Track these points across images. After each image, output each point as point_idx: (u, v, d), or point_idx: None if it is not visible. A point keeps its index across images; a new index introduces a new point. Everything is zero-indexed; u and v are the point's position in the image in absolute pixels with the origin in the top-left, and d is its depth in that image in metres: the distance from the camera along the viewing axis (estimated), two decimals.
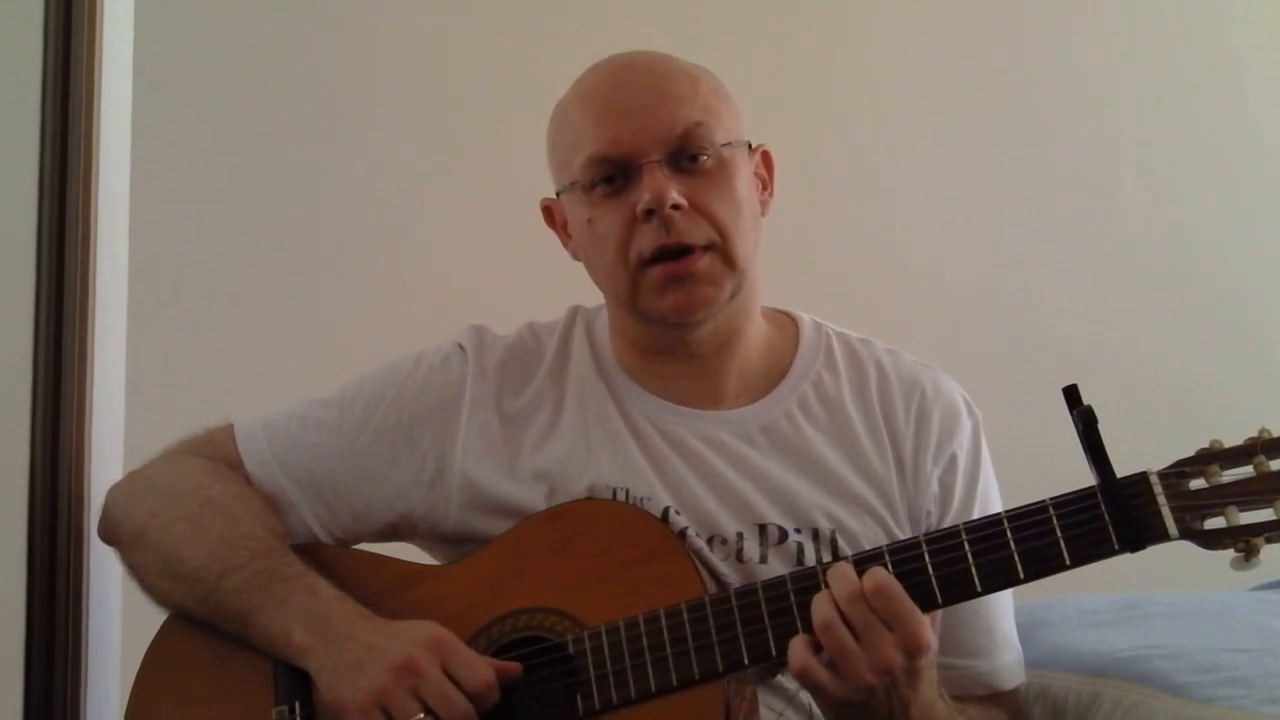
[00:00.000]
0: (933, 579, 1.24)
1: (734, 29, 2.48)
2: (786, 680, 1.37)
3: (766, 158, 1.51)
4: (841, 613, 1.21)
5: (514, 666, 1.30)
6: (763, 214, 1.49)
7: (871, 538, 1.42)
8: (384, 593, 1.39)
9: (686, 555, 1.34)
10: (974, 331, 2.53)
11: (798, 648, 1.23)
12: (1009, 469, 1.54)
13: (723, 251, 1.41)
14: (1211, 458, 1.22)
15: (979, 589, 1.24)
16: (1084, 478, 1.23)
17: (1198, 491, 1.21)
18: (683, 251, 1.39)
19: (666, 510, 1.41)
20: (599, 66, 1.48)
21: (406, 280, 2.32)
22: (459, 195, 2.34)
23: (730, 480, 1.43)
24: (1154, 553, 1.22)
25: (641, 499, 1.41)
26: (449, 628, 1.31)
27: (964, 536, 1.24)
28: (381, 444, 1.48)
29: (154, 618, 1.45)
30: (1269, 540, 1.19)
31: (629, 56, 1.48)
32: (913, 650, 1.21)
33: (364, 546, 1.50)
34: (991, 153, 2.63)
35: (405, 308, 2.28)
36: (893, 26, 2.62)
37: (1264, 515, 1.20)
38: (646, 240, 1.39)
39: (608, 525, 1.38)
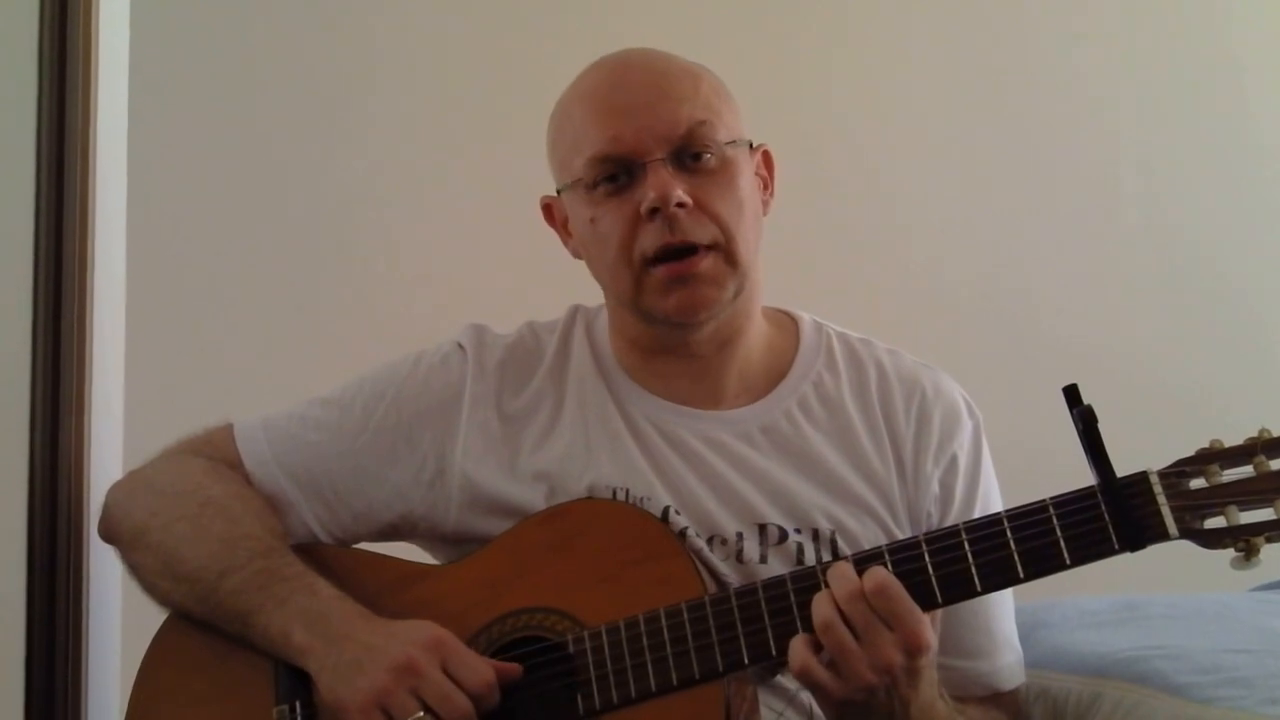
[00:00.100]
0: (933, 579, 1.24)
1: (734, 29, 2.48)
2: (787, 680, 1.37)
3: (767, 157, 1.51)
4: (842, 612, 1.21)
5: (514, 667, 1.30)
6: (763, 214, 1.49)
7: (871, 538, 1.41)
8: (384, 593, 1.39)
9: (686, 555, 1.34)
10: (974, 331, 2.53)
11: (798, 647, 1.23)
12: (1009, 469, 1.54)
13: (726, 251, 1.41)
14: (1211, 457, 1.22)
15: (979, 589, 1.24)
16: (1084, 478, 1.23)
17: (1198, 491, 1.21)
18: (686, 251, 1.39)
19: (666, 510, 1.41)
20: (600, 64, 1.48)
21: (406, 280, 2.32)
22: (459, 195, 2.34)
23: (730, 480, 1.43)
24: (1154, 553, 1.22)
25: (641, 499, 1.41)
26: (449, 628, 1.31)
27: (964, 536, 1.24)
28: (381, 444, 1.48)
29: (154, 618, 1.45)
30: (1269, 540, 1.19)
31: (630, 54, 1.48)
32: (913, 650, 1.21)
33: (364, 546, 1.50)
34: (991, 153, 2.63)
35: (405, 307, 2.27)
36: (893, 26, 2.62)
37: (1264, 515, 1.20)
38: (650, 239, 1.39)
39: (608, 525, 1.38)
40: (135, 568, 1.46)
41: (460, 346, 1.52)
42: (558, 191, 1.49)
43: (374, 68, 2.35)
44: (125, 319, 1.75)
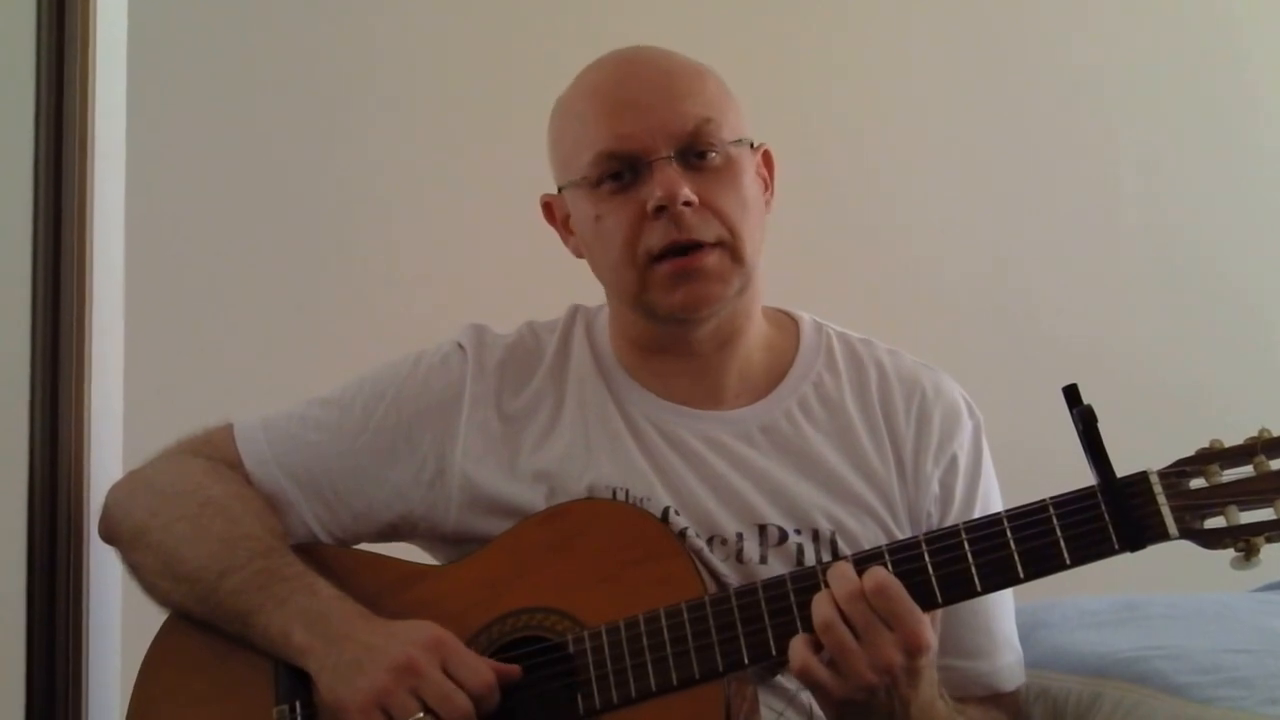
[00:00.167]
0: (932, 578, 1.24)
1: (734, 29, 2.48)
2: (787, 680, 1.37)
3: (767, 157, 1.51)
4: (842, 612, 1.21)
5: (513, 669, 1.30)
6: (765, 213, 1.49)
7: (871, 539, 1.41)
8: (384, 593, 1.39)
9: (686, 555, 1.34)
10: (974, 331, 2.53)
11: (798, 647, 1.23)
12: (1009, 469, 1.54)
13: (732, 248, 1.41)
14: (1211, 457, 1.22)
15: (979, 588, 1.24)
16: (1084, 477, 1.23)
17: (1198, 491, 1.21)
18: (691, 247, 1.39)
19: (666, 510, 1.41)
20: (603, 61, 1.48)
21: (406, 280, 2.32)
22: (459, 195, 2.34)
23: (730, 480, 1.43)
24: (1154, 553, 1.22)
25: (641, 499, 1.41)
26: (449, 628, 1.31)
27: (964, 536, 1.24)
28: (381, 444, 1.48)
29: (154, 618, 1.44)
30: (1269, 539, 1.19)
31: (635, 51, 1.48)
32: (913, 649, 1.21)
33: (364, 546, 1.50)
34: (991, 153, 2.63)
35: (405, 307, 2.27)
36: (893, 26, 2.62)
37: (1264, 515, 1.20)
38: (657, 237, 1.39)
39: (608, 525, 1.37)
40: (135, 568, 1.46)
41: (460, 346, 1.52)
42: (559, 189, 1.49)
43: (374, 68, 2.35)
44: (124, 319, 1.75)
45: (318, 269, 2.29)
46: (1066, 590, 1.52)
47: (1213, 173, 2.74)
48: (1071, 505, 1.23)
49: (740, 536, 1.41)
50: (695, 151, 1.40)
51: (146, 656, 1.42)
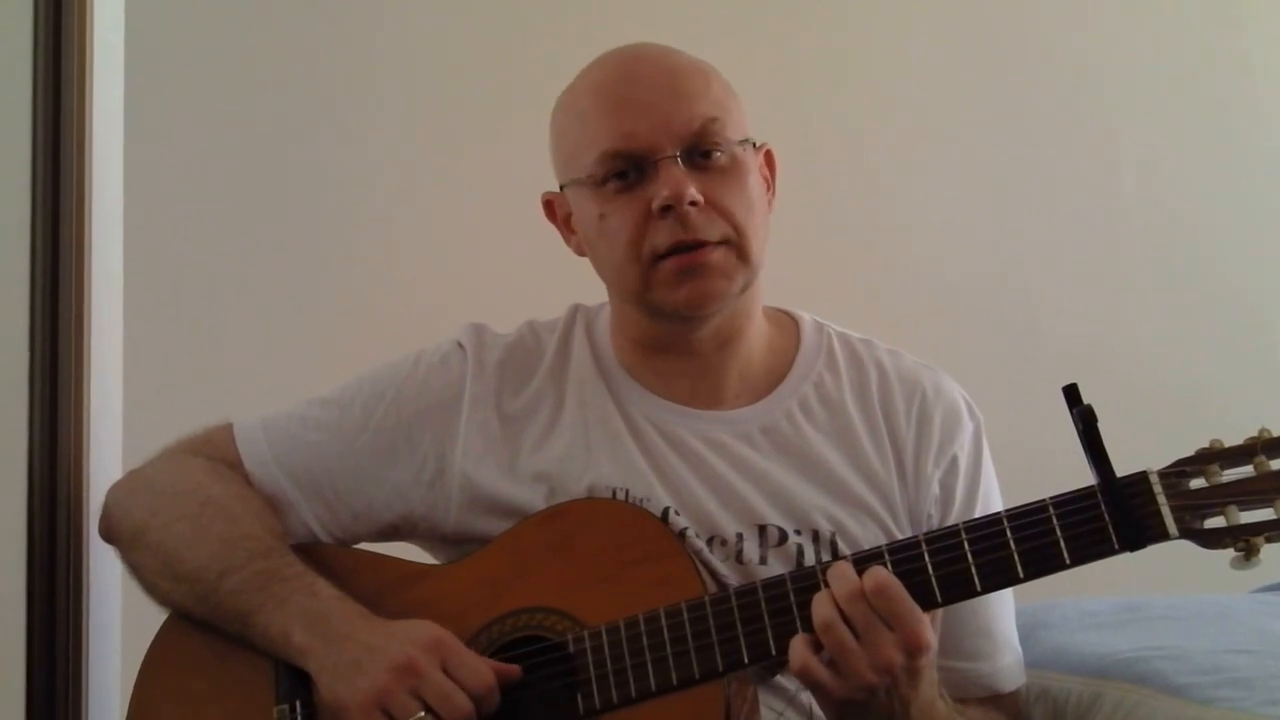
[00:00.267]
0: (932, 578, 1.24)
1: (735, 29, 2.48)
2: (787, 680, 1.37)
3: (769, 157, 1.51)
4: (842, 612, 1.21)
5: (513, 668, 1.30)
6: (768, 213, 1.49)
7: (872, 540, 1.41)
8: (384, 593, 1.39)
9: (686, 555, 1.34)
10: (974, 331, 2.53)
11: (798, 647, 1.23)
12: (1009, 469, 1.54)
13: (738, 247, 1.40)
14: (1211, 457, 1.22)
15: (979, 588, 1.24)
16: (1084, 477, 1.23)
17: (1198, 491, 1.21)
18: (696, 245, 1.39)
19: (666, 511, 1.41)
20: (606, 59, 1.47)
21: (406, 280, 2.31)
22: (459, 195, 2.34)
23: (730, 481, 1.43)
24: (1154, 553, 1.22)
25: (641, 499, 1.41)
26: (449, 628, 1.31)
27: (964, 536, 1.24)
28: (381, 444, 1.48)
29: (154, 618, 1.44)
30: (1269, 539, 1.19)
31: (637, 49, 1.47)
32: (913, 649, 1.21)
33: (364, 546, 1.50)
34: (991, 153, 2.63)
35: (405, 307, 2.27)
36: (894, 26, 2.61)
37: (1264, 515, 1.20)
38: (663, 237, 1.38)
39: (607, 525, 1.37)
40: (135, 567, 1.46)
41: (460, 346, 1.52)
42: (561, 187, 1.49)
43: (374, 68, 2.35)
44: (124, 318, 1.75)
45: (318, 269, 2.29)
46: (1067, 591, 1.52)
47: (1213, 173, 2.74)
48: (1071, 505, 1.23)
49: (740, 537, 1.41)
50: (701, 151, 1.40)
51: (146, 657, 1.42)
